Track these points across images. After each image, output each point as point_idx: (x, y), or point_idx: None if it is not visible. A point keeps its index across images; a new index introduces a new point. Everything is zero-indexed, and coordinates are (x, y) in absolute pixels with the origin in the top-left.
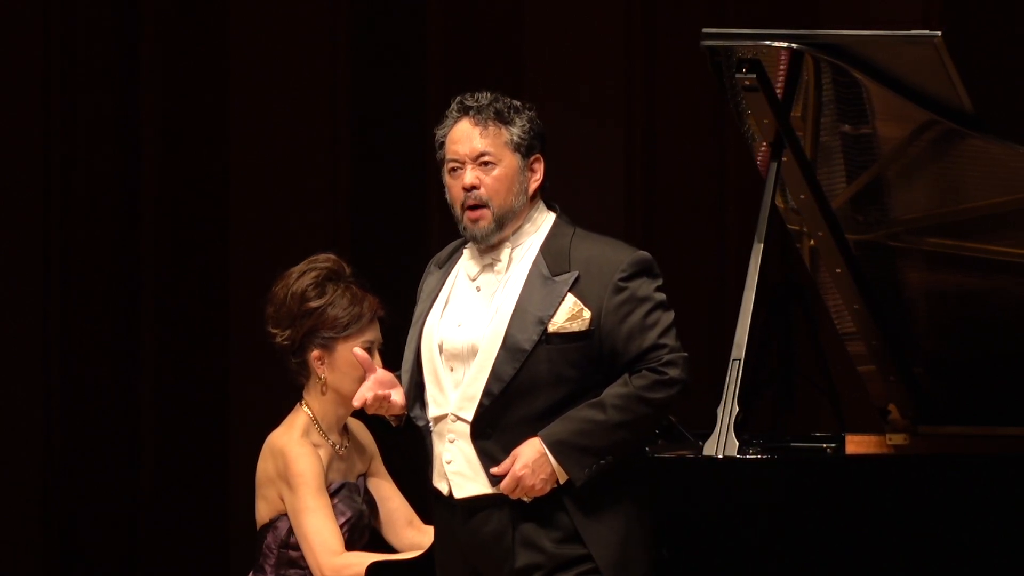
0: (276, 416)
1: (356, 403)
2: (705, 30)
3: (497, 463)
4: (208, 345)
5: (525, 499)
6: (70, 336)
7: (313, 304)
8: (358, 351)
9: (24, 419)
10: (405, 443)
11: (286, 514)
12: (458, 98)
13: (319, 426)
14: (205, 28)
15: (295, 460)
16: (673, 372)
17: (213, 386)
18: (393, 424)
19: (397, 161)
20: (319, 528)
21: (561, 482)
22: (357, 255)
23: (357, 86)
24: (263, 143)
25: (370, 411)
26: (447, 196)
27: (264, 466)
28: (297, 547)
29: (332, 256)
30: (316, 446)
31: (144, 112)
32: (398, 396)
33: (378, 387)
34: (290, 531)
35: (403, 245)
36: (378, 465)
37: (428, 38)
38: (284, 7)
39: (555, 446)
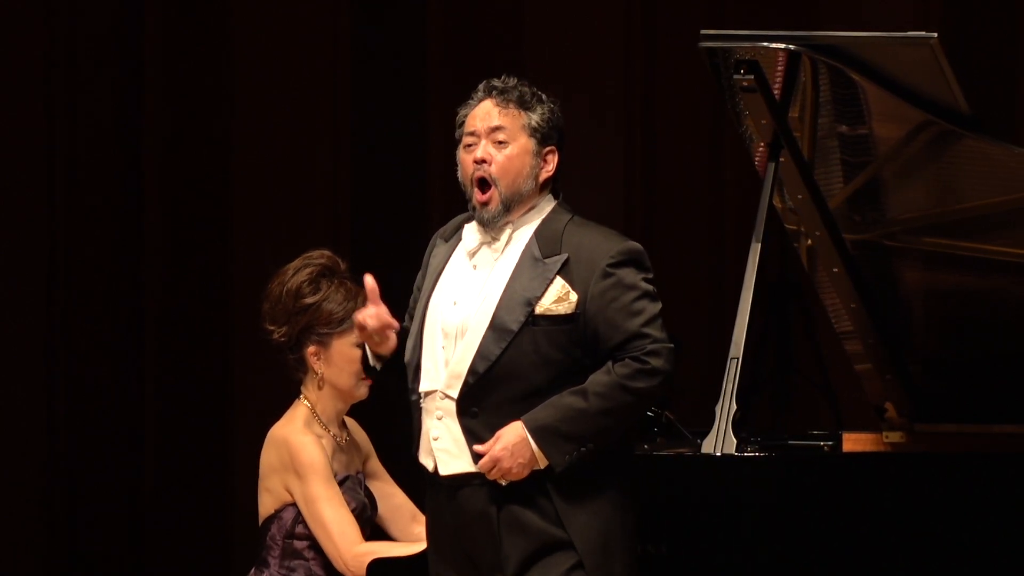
0: (276, 416)
1: (357, 317)
2: (703, 31)
3: (482, 442)
4: (208, 345)
5: (501, 482)
6: (71, 336)
7: (308, 300)
8: (368, 279)
9: (25, 419)
10: (401, 446)
11: (291, 504)
12: (485, 81)
13: (319, 418)
14: (205, 28)
15: (301, 449)
16: (656, 362)
17: (213, 386)
18: (371, 362)
19: (397, 161)
20: (337, 518)
21: (541, 467)
22: (357, 255)
23: (357, 86)
24: (263, 143)
25: (362, 337)
26: (459, 175)
27: (268, 457)
28: (302, 537)
29: (327, 252)
30: (319, 436)
31: (144, 112)
32: (392, 340)
33: (379, 321)
34: (295, 521)
35: (403, 245)
36: (375, 464)
37: (428, 38)
38: (285, 7)
39: (537, 431)
